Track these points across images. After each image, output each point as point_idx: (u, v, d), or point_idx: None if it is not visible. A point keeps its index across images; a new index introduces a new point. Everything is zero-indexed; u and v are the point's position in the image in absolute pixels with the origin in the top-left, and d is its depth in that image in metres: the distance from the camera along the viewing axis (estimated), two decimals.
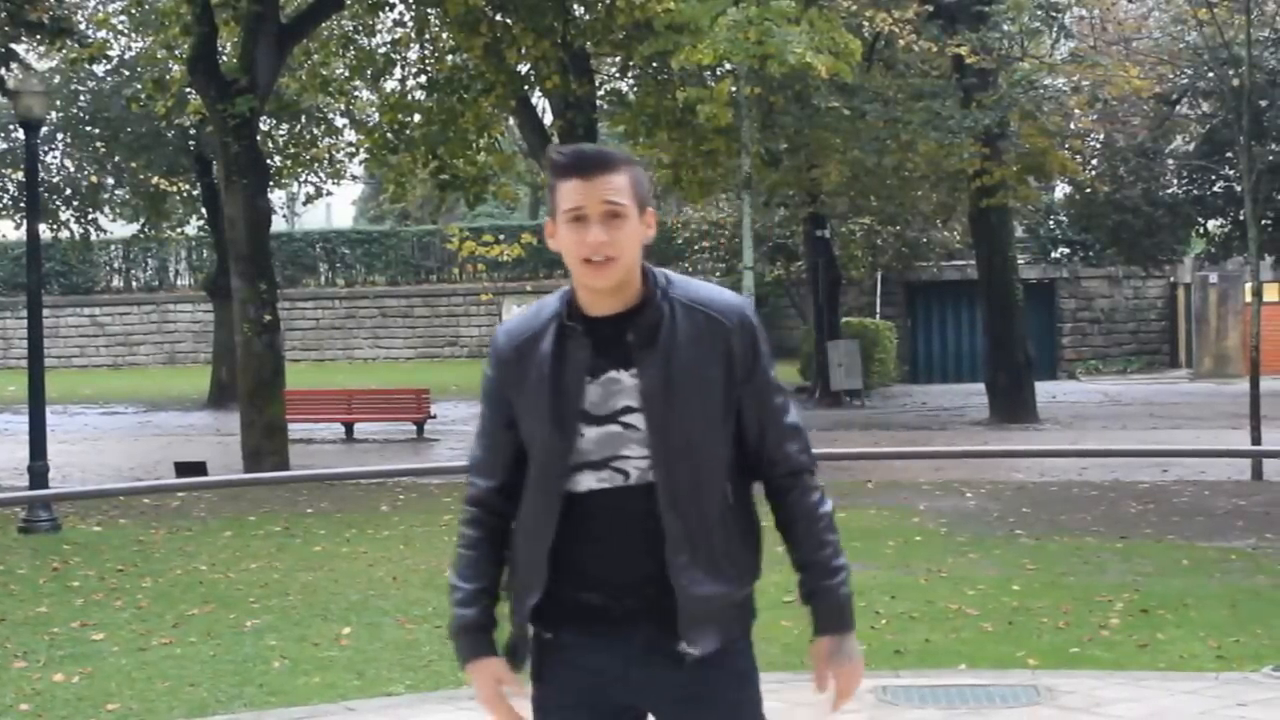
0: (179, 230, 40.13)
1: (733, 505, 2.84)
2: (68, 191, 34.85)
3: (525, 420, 2.84)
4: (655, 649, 2.79)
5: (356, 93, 25.78)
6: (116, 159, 33.99)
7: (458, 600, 2.91)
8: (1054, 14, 26.19)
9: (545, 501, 2.80)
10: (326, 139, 31.09)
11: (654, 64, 21.01)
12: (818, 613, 2.88)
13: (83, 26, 25.56)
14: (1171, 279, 39.37)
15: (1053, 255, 39.55)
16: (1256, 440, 16.18)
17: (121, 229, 39.96)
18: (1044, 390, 28.43)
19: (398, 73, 23.47)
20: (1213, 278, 36.49)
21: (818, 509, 2.88)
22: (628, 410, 2.77)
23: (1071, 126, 28.52)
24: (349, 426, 25.38)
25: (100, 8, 28.64)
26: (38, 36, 21.35)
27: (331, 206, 58.13)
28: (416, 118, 21.81)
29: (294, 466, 18.60)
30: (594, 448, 2.78)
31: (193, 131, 30.99)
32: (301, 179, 33.54)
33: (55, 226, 34.67)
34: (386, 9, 22.44)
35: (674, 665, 2.79)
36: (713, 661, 2.80)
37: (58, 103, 29.90)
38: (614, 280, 2.76)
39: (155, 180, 33.96)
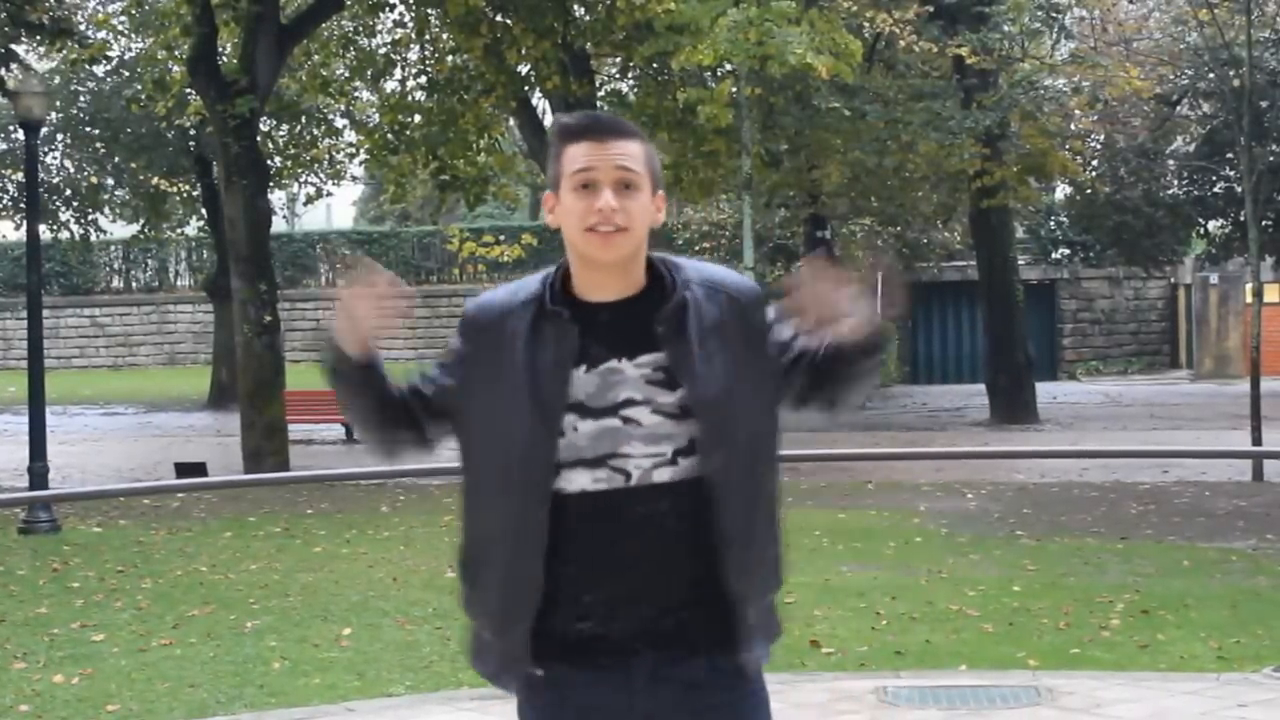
0: (179, 231, 40.12)
1: (775, 501, 2.66)
2: (68, 192, 34.83)
3: (491, 413, 2.57)
4: (660, 678, 2.56)
5: (357, 93, 25.76)
6: (116, 160, 33.99)
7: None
8: (1054, 15, 26.20)
9: (527, 504, 2.52)
10: (326, 140, 31.04)
11: (654, 65, 21.01)
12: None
13: (83, 27, 25.54)
14: (1172, 280, 39.36)
15: (1053, 256, 39.57)
16: (1257, 441, 16.16)
17: (121, 230, 39.94)
18: (1044, 391, 28.43)
19: (398, 73, 23.48)
20: (1213, 278, 36.48)
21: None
22: (630, 403, 2.52)
23: (1072, 127, 28.54)
24: (349, 427, 25.36)
25: (100, 8, 28.64)
26: (38, 37, 21.33)
27: (331, 207, 58.10)
28: (417, 118, 21.81)
29: (294, 467, 18.60)
30: (589, 443, 2.52)
31: (193, 132, 30.99)
32: (301, 180, 33.52)
33: (55, 227, 34.65)
34: (387, 9, 22.43)
35: (682, 693, 2.57)
36: (725, 685, 2.60)
37: (58, 103, 29.88)
38: (621, 254, 2.53)
39: (155, 181, 33.96)
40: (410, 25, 22.40)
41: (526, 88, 22.04)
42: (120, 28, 27.48)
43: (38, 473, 13.95)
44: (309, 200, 35.59)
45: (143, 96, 25.11)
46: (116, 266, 47.60)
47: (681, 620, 2.56)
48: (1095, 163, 30.28)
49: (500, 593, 2.59)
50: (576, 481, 2.53)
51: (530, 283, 2.64)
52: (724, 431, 2.53)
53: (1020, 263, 30.76)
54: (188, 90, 21.68)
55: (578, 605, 2.56)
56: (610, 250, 2.53)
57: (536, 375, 2.53)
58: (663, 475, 2.53)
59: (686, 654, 2.57)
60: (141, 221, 35.55)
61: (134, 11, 24.73)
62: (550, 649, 2.59)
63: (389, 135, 21.83)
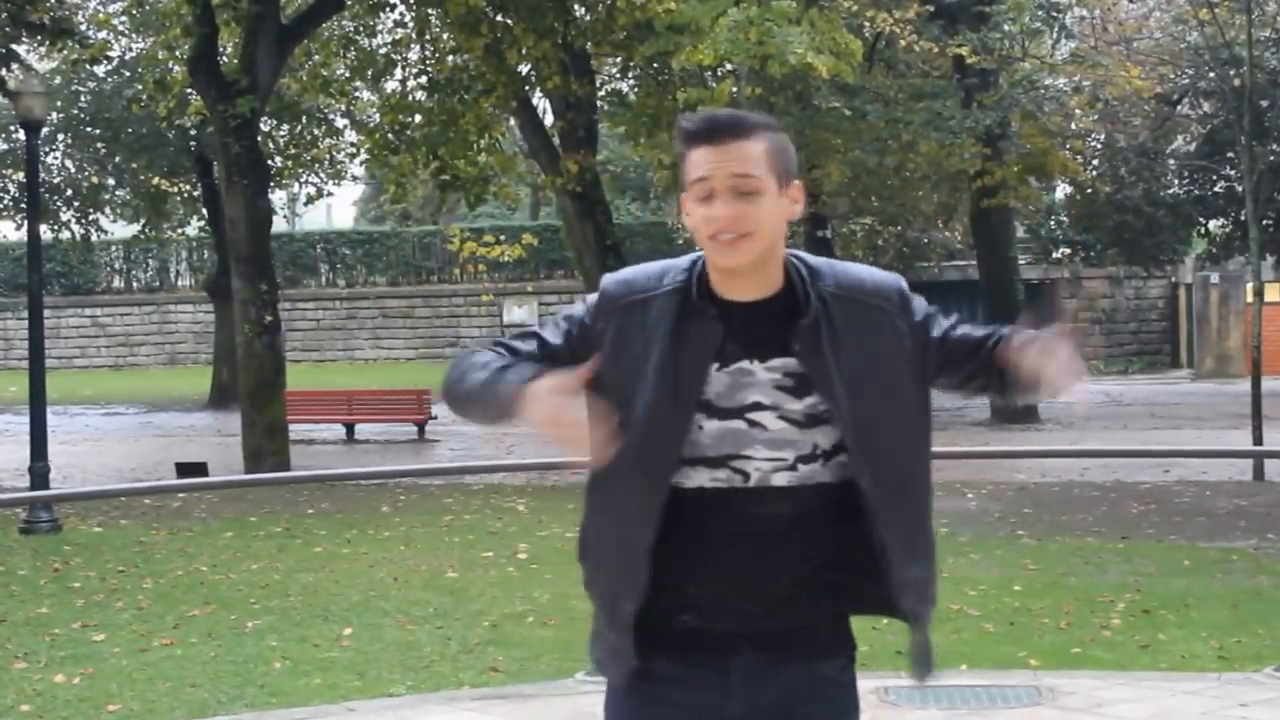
0: (180, 231, 40.14)
1: (928, 514, 2.62)
2: (69, 192, 34.85)
3: (626, 397, 2.49)
4: (758, 680, 2.53)
5: (357, 93, 25.77)
6: (117, 160, 34.00)
7: (497, 371, 2.50)
8: (1055, 14, 26.20)
9: (645, 493, 2.48)
10: (327, 140, 31.05)
11: (654, 64, 21.00)
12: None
13: (83, 27, 25.54)
14: (1173, 279, 39.37)
15: (1054, 255, 39.56)
16: (1258, 440, 16.17)
17: (122, 230, 39.95)
18: None
19: (398, 73, 23.49)
20: (1214, 278, 36.48)
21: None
22: (756, 406, 2.48)
23: (1072, 127, 28.53)
24: (350, 427, 25.36)
25: (101, 9, 28.64)
26: (39, 37, 21.33)
27: (332, 207, 58.15)
28: (417, 118, 21.81)
29: (295, 467, 18.60)
30: (712, 443, 2.49)
31: (193, 132, 31.00)
32: (302, 179, 33.53)
33: (56, 227, 34.67)
34: (387, 9, 22.43)
35: (778, 698, 2.54)
36: (823, 695, 2.60)
37: (59, 103, 29.89)
38: (744, 260, 2.48)
39: (156, 181, 33.97)
40: (410, 25, 22.40)
41: (527, 87, 22.04)
42: (121, 28, 27.51)
43: (39, 473, 13.96)
44: (309, 200, 35.59)
45: (143, 96, 25.12)
46: (117, 266, 47.62)
47: (786, 623, 2.54)
48: (1096, 162, 30.27)
49: (609, 578, 2.58)
50: (695, 479, 2.50)
51: (675, 268, 2.57)
52: (870, 442, 2.49)
53: (1021, 262, 30.77)
54: (188, 90, 21.67)
55: (682, 598, 2.53)
56: (733, 257, 2.48)
57: (677, 369, 2.48)
58: (781, 479, 2.50)
59: (788, 658, 2.55)
60: (142, 221, 35.57)
61: (134, 11, 24.75)
62: (650, 640, 2.56)
63: (389, 135, 21.83)
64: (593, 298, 2.61)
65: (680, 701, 2.55)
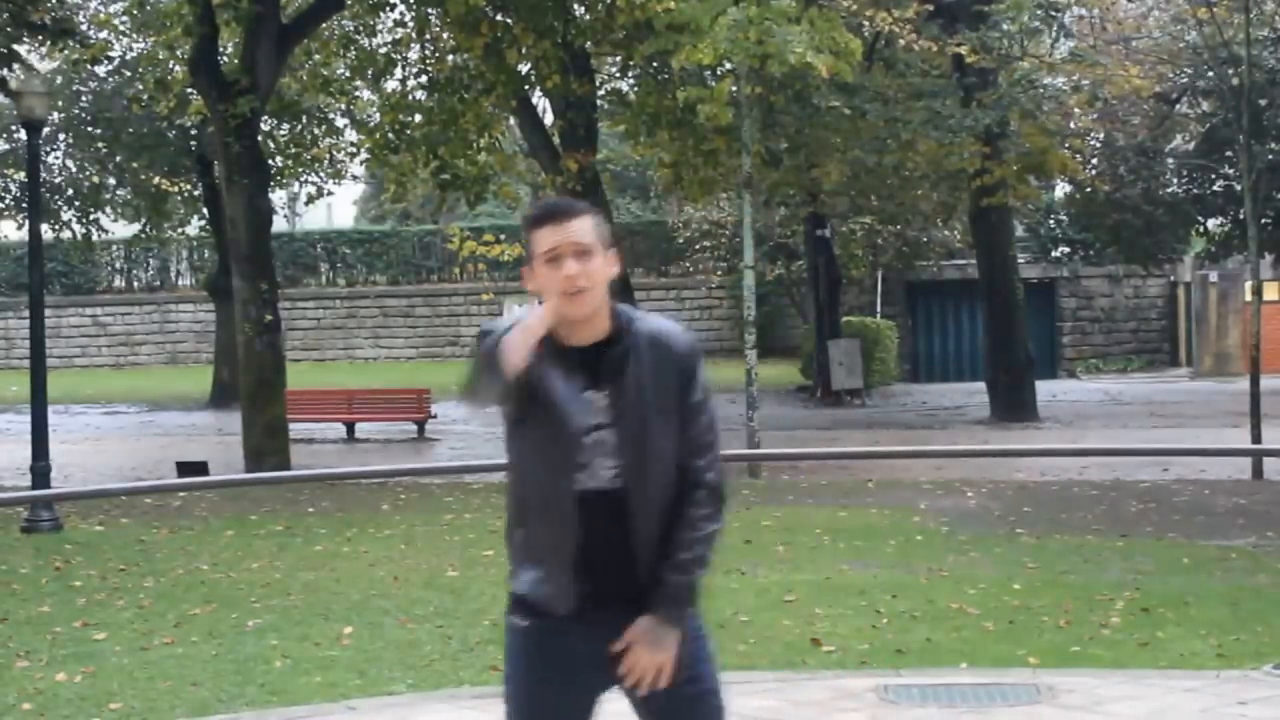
0: (180, 230, 40.16)
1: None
2: (70, 192, 34.88)
3: (542, 421, 3.21)
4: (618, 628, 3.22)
5: (357, 93, 25.78)
6: (118, 159, 34.03)
7: None
8: (1054, 13, 26.21)
9: (561, 495, 3.22)
10: (327, 139, 31.10)
11: (654, 64, 21.03)
12: (654, 596, 3.25)
13: (84, 27, 25.58)
14: (1172, 278, 39.40)
15: (1053, 254, 39.59)
16: (1257, 439, 16.19)
17: (123, 229, 39.97)
18: (1044, 389, 28.45)
19: (398, 73, 23.50)
20: (1213, 276, 36.51)
21: (700, 521, 3.26)
22: (598, 427, 3.20)
23: (1071, 126, 28.54)
24: (350, 426, 25.39)
25: (102, 9, 28.67)
26: (40, 37, 21.37)
27: (332, 206, 58.14)
28: (417, 118, 21.83)
29: (295, 466, 18.61)
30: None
31: (194, 132, 31.03)
32: (302, 179, 33.56)
33: (57, 227, 34.70)
34: (387, 9, 22.45)
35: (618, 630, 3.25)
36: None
37: (60, 103, 29.93)
38: (588, 309, 3.19)
39: (157, 180, 34.00)
40: (410, 25, 22.42)
41: (527, 87, 22.06)
42: (122, 28, 27.52)
43: (40, 472, 13.98)
44: (310, 199, 35.63)
45: (144, 96, 25.17)
46: (118, 266, 47.64)
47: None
48: (1095, 161, 30.29)
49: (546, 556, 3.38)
50: (580, 481, 3.25)
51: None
52: (639, 455, 3.20)
53: (1020, 261, 30.77)
54: (189, 90, 21.71)
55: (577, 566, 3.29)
56: (579, 307, 3.20)
57: (572, 398, 3.20)
58: (615, 483, 3.22)
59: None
60: (143, 221, 35.59)
61: (135, 12, 24.75)
62: (530, 604, 3.33)
63: (389, 134, 21.85)
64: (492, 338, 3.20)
65: (565, 648, 3.27)
